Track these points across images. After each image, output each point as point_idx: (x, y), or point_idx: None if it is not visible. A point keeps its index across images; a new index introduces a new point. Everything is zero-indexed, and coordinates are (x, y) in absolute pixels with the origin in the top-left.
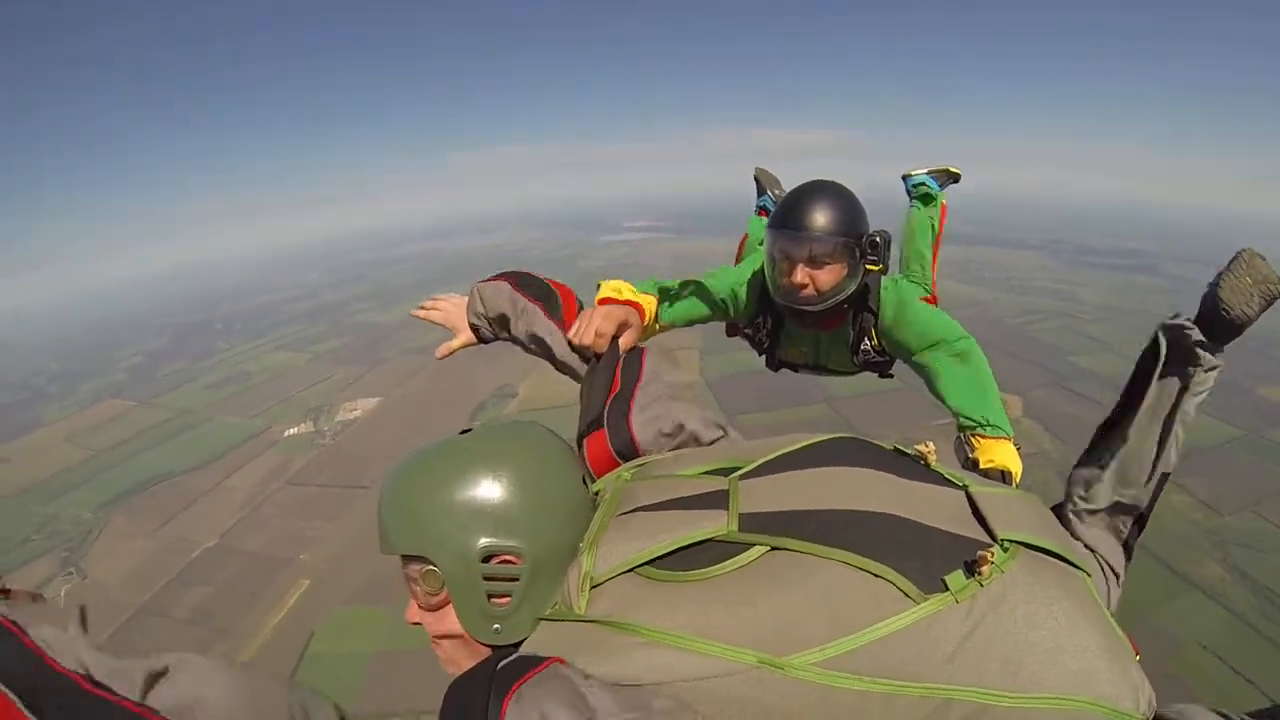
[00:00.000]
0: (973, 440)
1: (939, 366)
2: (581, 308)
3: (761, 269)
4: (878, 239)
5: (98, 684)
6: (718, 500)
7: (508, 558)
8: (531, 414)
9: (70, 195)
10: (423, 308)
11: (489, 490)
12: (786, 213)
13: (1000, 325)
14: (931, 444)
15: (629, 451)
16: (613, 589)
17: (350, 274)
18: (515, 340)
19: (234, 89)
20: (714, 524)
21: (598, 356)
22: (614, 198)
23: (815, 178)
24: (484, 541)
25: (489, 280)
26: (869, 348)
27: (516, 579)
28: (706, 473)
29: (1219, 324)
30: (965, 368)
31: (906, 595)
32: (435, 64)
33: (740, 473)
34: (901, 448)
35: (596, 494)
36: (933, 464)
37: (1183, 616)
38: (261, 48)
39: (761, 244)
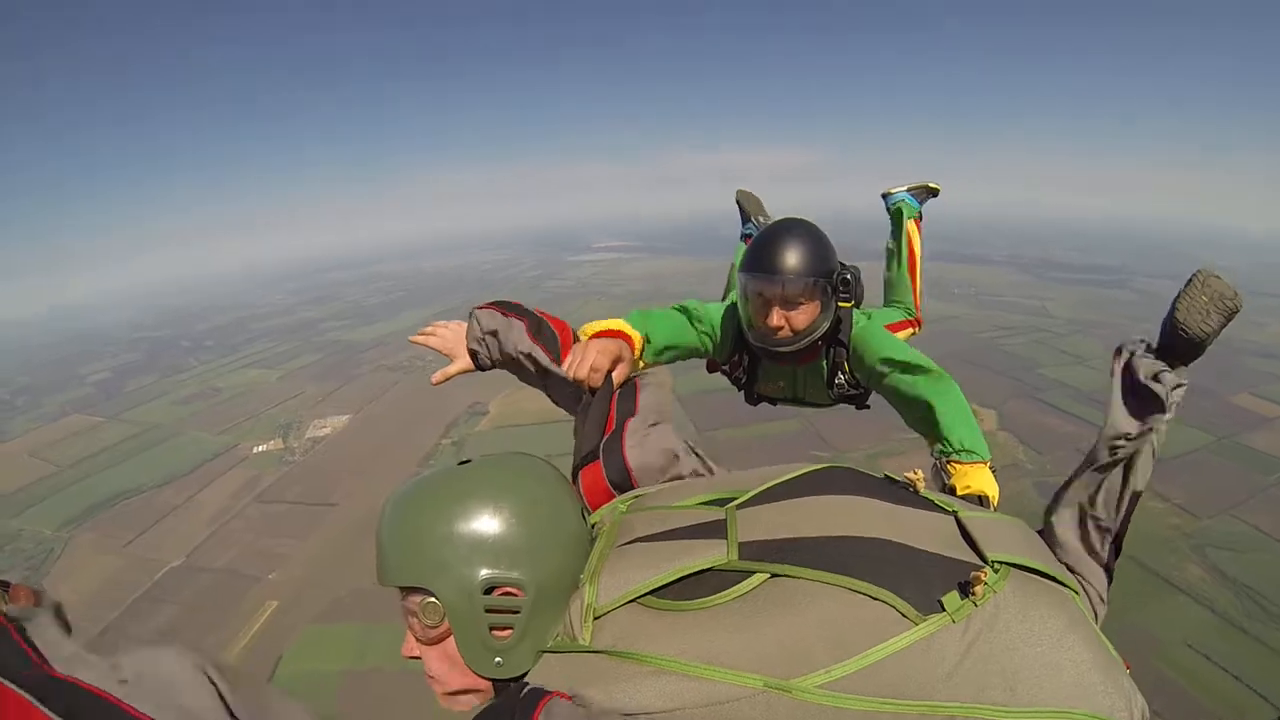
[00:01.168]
0: (949, 467)
1: (910, 395)
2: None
3: (735, 306)
4: (849, 276)
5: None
6: (716, 530)
7: (509, 589)
8: (504, 431)
9: (41, 209)
10: (421, 334)
11: (490, 522)
12: (758, 255)
13: (971, 339)
14: (920, 471)
15: (624, 483)
16: (616, 619)
17: (324, 293)
18: (511, 369)
19: (203, 107)
20: (714, 553)
21: (592, 391)
22: (583, 219)
23: (785, 216)
24: (485, 573)
25: (485, 307)
26: (843, 380)
27: (518, 611)
28: (702, 503)
29: (1179, 344)
30: (936, 394)
31: (905, 616)
32: (408, 85)
33: (737, 502)
34: (892, 475)
35: (594, 525)
36: (922, 491)
37: (1166, 618)
38: (231, 64)
39: None
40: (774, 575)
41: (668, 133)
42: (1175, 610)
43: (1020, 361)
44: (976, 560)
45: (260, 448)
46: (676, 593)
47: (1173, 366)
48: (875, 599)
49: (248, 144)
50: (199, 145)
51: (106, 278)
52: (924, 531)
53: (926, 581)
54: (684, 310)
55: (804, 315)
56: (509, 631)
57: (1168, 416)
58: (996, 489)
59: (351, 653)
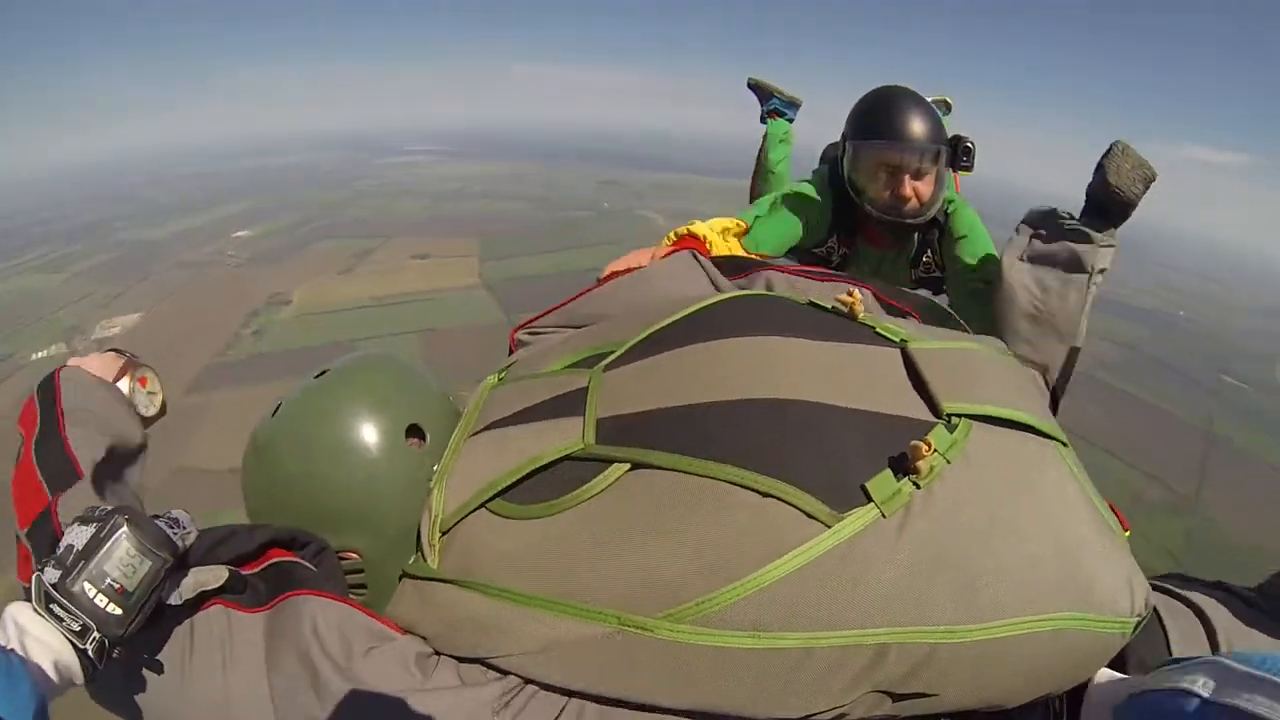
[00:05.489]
0: None
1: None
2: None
3: (827, 184)
4: (969, 144)
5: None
6: (575, 403)
7: (347, 555)
8: (310, 318)
9: None
10: None
11: (315, 494)
12: (884, 122)
13: None
14: (857, 292)
15: None
16: (463, 533)
17: (115, 195)
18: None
19: None
20: (568, 437)
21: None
22: (400, 124)
23: (884, 84)
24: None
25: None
26: (930, 260)
27: (363, 569)
28: (571, 365)
29: (1112, 206)
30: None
31: (812, 517)
32: None
33: (608, 360)
34: (817, 301)
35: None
36: (860, 317)
37: None
38: None
39: (781, 142)
40: (636, 465)
41: (488, 42)
42: None
43: None
44: (926, 415)
45: (40, 354)
46: (527, 493)
47: (1101, 229)
48: (769, 494)
49: (29, 39)
50: None
51: None
52: (857, 379)
53: (845, 460)
54: (786, 204)
55: (929, 184)
56: (365, 589)
57: (1101, 266)
58: None
59: None
